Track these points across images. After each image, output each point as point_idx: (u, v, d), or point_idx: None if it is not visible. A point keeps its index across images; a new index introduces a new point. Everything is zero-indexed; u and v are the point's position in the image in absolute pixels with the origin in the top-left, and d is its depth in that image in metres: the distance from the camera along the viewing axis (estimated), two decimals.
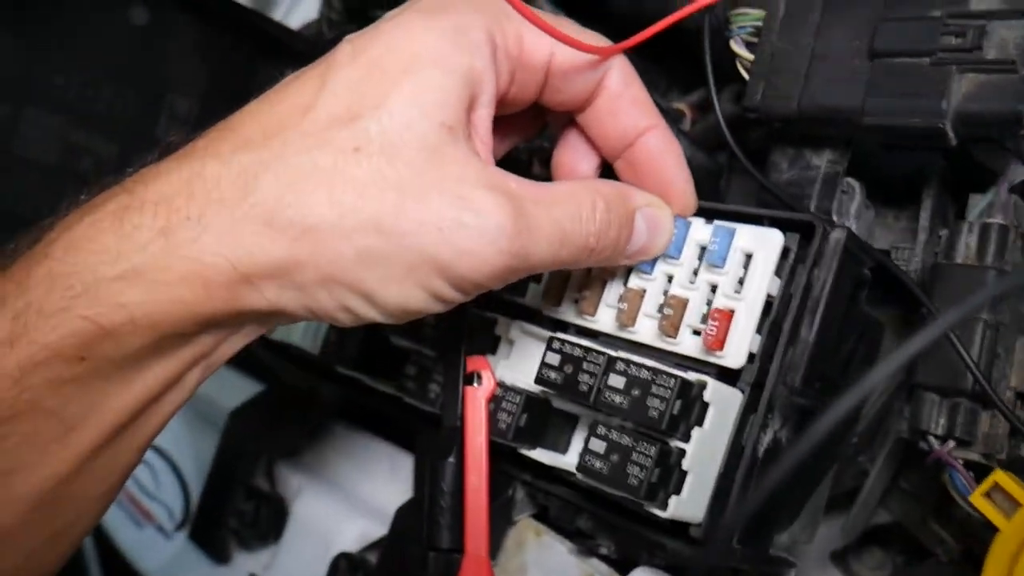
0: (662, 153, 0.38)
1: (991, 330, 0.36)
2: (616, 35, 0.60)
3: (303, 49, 0.62)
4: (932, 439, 0.38)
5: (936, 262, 0.39)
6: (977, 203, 0.38)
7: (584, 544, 0.44)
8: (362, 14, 0.62)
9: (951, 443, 0.37)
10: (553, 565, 0.45)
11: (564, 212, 0.33)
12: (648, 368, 0.36)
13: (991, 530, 0.34)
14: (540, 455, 0.41)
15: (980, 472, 0.36)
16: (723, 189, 0.55)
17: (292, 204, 0.30)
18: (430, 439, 0.44)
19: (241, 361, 0.34)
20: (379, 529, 0.51)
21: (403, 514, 0.48)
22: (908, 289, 0.38)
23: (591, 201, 0.34)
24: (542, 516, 0.46)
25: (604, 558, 0.43)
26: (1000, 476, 0.34)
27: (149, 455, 0.35)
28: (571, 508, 0.43)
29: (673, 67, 0.66)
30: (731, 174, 0.58)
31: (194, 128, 0.62)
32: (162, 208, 0.30)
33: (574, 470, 0.39)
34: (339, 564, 0.50)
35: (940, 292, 0.38)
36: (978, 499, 0.34)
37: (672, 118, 0.50)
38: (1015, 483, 0.34)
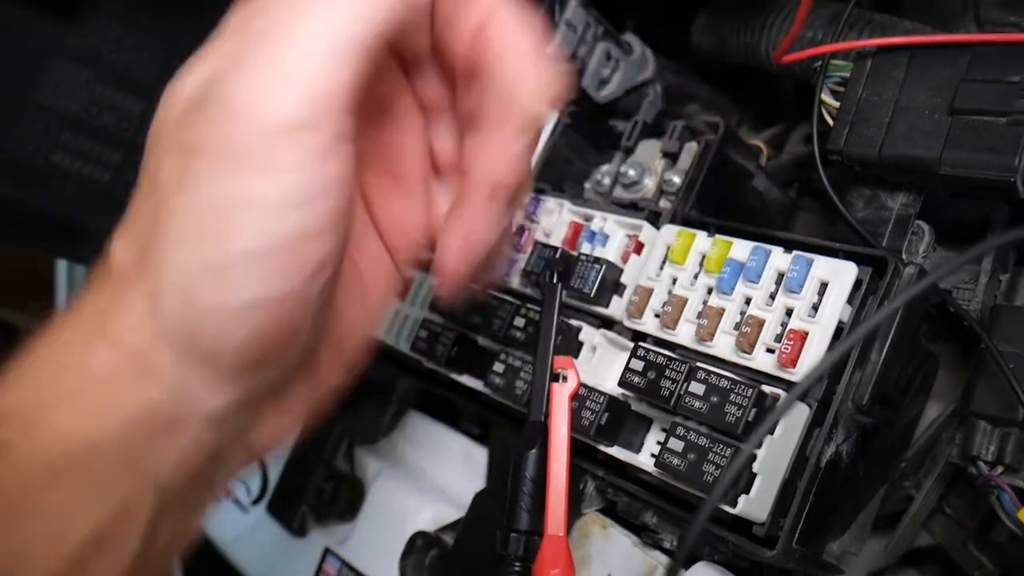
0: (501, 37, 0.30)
1: None
2: (696, 72, 0.64)
3: None
4: (982, 464, 0.41)
5: (996, 303, 0.42)
6: None
7: (649, 537, 0.47)
8: None
9: (999, 468, 0.40)
10: (617, 556, 0.48)
11: None
12: (727, 378, 0.40)
13: None
14: (617, 452, 0.45)
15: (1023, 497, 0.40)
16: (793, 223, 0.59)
17: None
18: (515, 432, 0.48)
19: None
20: (454, 513, 0.55)
21: (481, 499, 0.52)
22: (968, 325, 0.42)
23: None
24: (608, 511, 0.50)
25: (666, 551, 0.47)
26: None
27: None
28: (639, 503, 0.47)
29: (745, 104, 0.70)
30: (796, 209, 0.62)
31: None
32: None
33: (648, 467, 0.44)
34: (416, 541, 0.54)
35: (998, 331, 0.41)
36: None
37: (752, 154, 0.54)
38: None
